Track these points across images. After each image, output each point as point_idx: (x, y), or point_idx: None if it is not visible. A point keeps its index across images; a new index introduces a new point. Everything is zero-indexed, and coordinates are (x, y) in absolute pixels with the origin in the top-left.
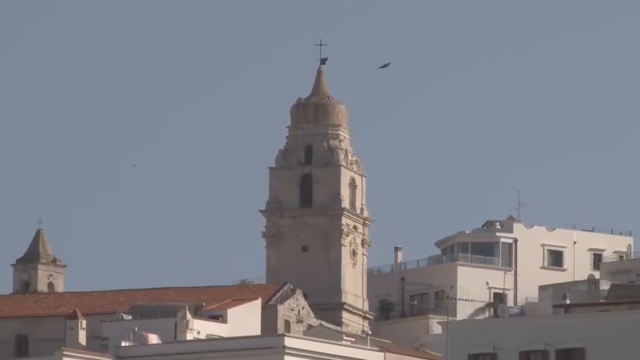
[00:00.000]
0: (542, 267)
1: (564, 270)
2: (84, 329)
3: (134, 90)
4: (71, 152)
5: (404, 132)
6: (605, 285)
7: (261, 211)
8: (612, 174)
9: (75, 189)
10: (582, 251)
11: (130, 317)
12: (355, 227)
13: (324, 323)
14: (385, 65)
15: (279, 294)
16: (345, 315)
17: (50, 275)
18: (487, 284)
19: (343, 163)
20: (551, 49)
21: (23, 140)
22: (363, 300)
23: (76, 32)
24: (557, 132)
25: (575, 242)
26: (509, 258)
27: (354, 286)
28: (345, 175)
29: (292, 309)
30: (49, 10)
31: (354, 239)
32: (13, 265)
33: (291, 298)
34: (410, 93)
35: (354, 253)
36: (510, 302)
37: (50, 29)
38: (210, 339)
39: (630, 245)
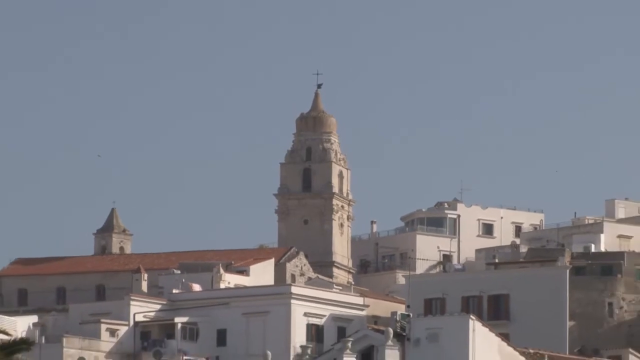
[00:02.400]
0: (478, 236)
1: (494, 238)
2: (145, 280)
3: (183, 109)
4: (135, 151)
5: (376, 135)
6: (523, 249)
7: (274, 194)
8: (529, 165)
9: (140, 178)
10: (507, 224)
11: (179, 272)
12: (342, 207)
13: (320, 276)
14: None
15: (287, 255)
16: (335, 270)
17: (121, 241)
18: (438, 247)
19: (334, 160)
20: (474, 53)
21: (101, 141)
22: (348, 259)
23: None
24: (486, 132)
25: (502, 217)
26: (454, 229)
27: (341, 249)
28: (335, 169)
29: (297, 266)
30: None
31: (342, 215)
32: (94, 234)
33: (296, 258)
34: (380, 106)
35: (341, 225)
36: (454, 261)
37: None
38: (237, 288)
39: (542, 219)
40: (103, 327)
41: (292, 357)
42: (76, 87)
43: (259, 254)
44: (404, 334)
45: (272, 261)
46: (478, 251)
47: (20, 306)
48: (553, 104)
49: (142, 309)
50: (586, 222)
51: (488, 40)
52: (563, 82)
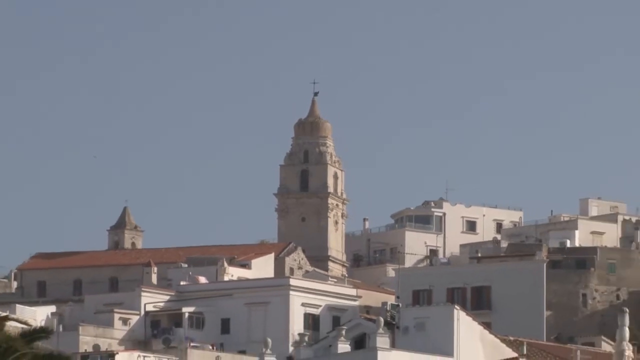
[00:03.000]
0: (462, 232)
1: (477, 234)
2: (155, 273)
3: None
4: (146, 153)
5: (369, 140)
6: (504, 244)
7: (274, 194)
8: (509, 166)
9: (150, 179)
10: (488, 221)
11: (186, 265)
12: (337, 205)
13: (316, 269)
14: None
15: (286, 250)
16: (330, 264)
17: (133, 237)
18: (425, 243)
19: (329, 162)
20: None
21: (112, 142)
22: (342, 254)
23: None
24: (469, 136)
25: (484, 215)
26: (440, 225)
27: (336, 244)
28: (331, 170)
29: (295, 260)
30: None
31: (337, 213)
32: (108, 230)
33: (294, 252)
34: (372, 112)
35: (336, 222)
36: (440, 255)
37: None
38: (240, 280)
39: (521, 217)
40: (116, 316)
41: (290, 344)
42: (93, 88)
43: (260, 249)
44: (394, 322)
45: (272, 255)
46: (462, 246)
47: (40, 297)
48: (531, 109)
49: (152, 300)
50: (562, 220)
51: (464, 55)
52: (542, 87)
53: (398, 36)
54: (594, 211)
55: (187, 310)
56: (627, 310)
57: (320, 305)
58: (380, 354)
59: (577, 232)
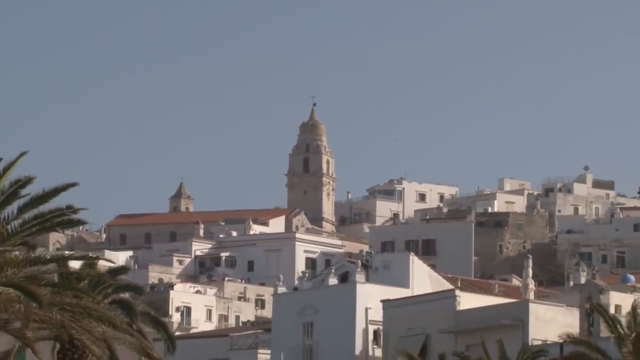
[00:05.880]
0: (416, 201)
1: (426, 203)
2: (202, 229)
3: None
4: (197, 139)
5: (352, 137)
6: (445, 210)
7: (285, 174)
8: (448, 156)
9: (199, 161)
10: (434, 194)
11: (223, 223)
12: (329, 182)
13: (314, 227)
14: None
15: (293, 213)
16: (323, 223)
17: (187, 203)
18: (390, 209)
19: (323, 152)
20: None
21: (172, 134)
22: (332, 216)
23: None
24: (421, 137)
25: (431, 190)
26: (400, 197)
27: (328, 209)
28: (324, 158)
29: (299, 220)
30: None
31: (329, 187)
32: (169, 198)
33: (299, 215)
34: (354, 118)
35: (328, 194)
36: (400, 217)
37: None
38: (261, 234)
39: (457, 191)
40: (174, 258)
41: (295, 278)
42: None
43: (275, 213)
44: (368, 264)
45: (283, 217)
46: (416, 211)
47: (121, 245)
48: (464, 112)
49: (199, 247)
50: (485, 193)
51: (425, 64)
52: (480, 73)
53: (377, 58)
54: (507, 187)
55: (223, 254)
56: (530, 256)
57: (316, 252)
58: (358, 286)
59: (495, 202)
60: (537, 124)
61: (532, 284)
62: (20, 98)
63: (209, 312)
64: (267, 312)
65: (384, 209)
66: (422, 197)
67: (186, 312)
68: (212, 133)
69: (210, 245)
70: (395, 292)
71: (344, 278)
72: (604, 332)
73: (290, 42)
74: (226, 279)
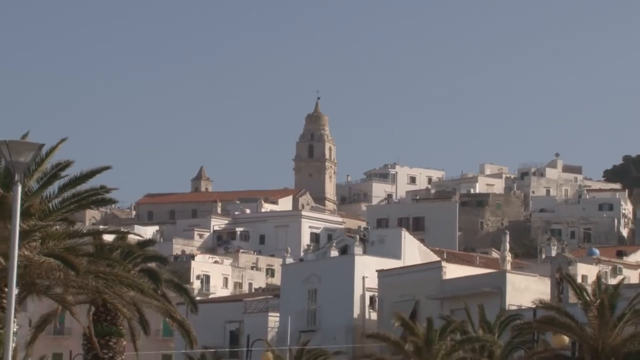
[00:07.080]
0: (407, 184)
1: (416, 185)
2: (219, 207)
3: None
4: (216, 129)
5: (351, 127)
6: (433, 191)
7: (293, 159)
8: (436, 144)
9: (216, 148)
10: (423, 177)
11: (239, 202)
12: (331, 166)
13: (318, 205)
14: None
15: (299, 193)
16: (326, 202)
17: (206, 184)
18: (384, 190)
19: (326, 140)
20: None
21: (198, 126)
22: (334, 196)
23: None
24: (412, 126)
25: (420, 173)
26: (394, 179)
27: (330, 190)
28: (327, 145)
29: (305, 199)
30: None
31: (331, 171)
32: (191, 180)
33: (304, 195)
34: (354, 110)
35: (330, 177)
36: (394, 197)
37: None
38: (271, 211)
39: (443, 174)
40: (195, 233)
41: (301, 251)
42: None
43: (284, 193)
44: (365, 238)
45: (291, 197)
46: (407, 192)
47: (149, 221)
48: (447, 91)
49: (217, 223)
50: (468, 176)
51: (410, 58)
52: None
53: (376, 58)
54: (487, 171)
55: (238, 229)
56: (508, 232)
57: (320, 227)
58: (356, 257)
59: (477, 184)
60: (514, 116)
61: (509, 257)
62: (57, 90)
63: (226, 280)
64: (277, 280)
65: (379, 190)
66: (412, 179)
67: (205, 279)
68: (228, 123)
69: (226, 221)
70: (389, 263)
71: (344, 250)
72: (572, 299)
73: (298, 43)
74: (240, 250)
